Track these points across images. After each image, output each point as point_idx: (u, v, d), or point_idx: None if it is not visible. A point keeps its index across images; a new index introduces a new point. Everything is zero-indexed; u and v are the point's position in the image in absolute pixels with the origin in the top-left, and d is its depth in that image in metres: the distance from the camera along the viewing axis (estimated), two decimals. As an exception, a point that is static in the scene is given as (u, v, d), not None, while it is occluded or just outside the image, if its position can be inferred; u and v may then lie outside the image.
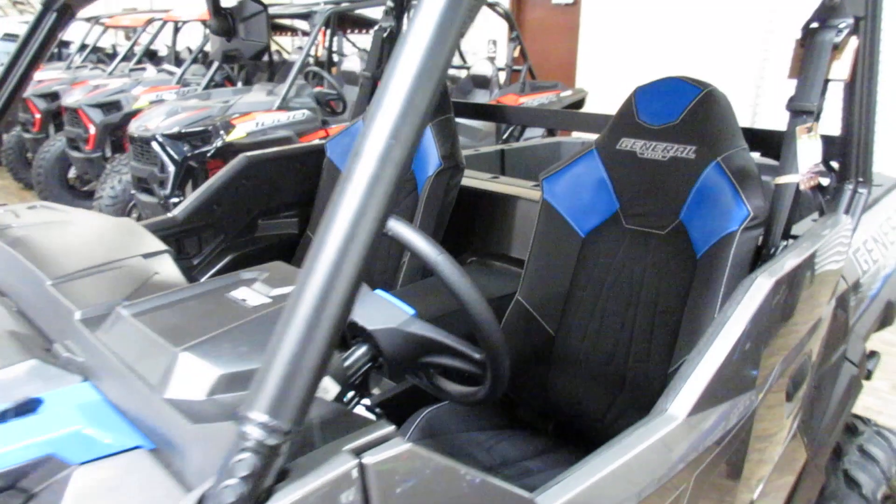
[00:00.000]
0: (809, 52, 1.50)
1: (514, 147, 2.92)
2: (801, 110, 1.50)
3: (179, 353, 0.86)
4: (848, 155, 1.61)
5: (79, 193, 6.79)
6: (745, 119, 3.12)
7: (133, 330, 0.94)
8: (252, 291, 1.02)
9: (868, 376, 1.81)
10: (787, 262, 1.31)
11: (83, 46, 9.04)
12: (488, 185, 2.31)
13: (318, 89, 5.25)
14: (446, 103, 2.22)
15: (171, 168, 4.61)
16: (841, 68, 1.50)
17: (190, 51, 8.95)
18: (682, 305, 1.58)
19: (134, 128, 4.84)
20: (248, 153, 2.35)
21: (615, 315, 1.68)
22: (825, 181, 1.61)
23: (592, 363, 1.69)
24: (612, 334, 1.68)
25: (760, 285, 1.20)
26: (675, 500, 1.06)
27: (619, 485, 0.98)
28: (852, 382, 1.68)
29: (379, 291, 1.18)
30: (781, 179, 1.50)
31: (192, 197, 2.25)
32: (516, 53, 6.09)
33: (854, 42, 1.51)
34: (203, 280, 1.11)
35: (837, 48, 1.49)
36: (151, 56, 9.28)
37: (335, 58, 7.02)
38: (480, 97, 6.19)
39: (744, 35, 6.29)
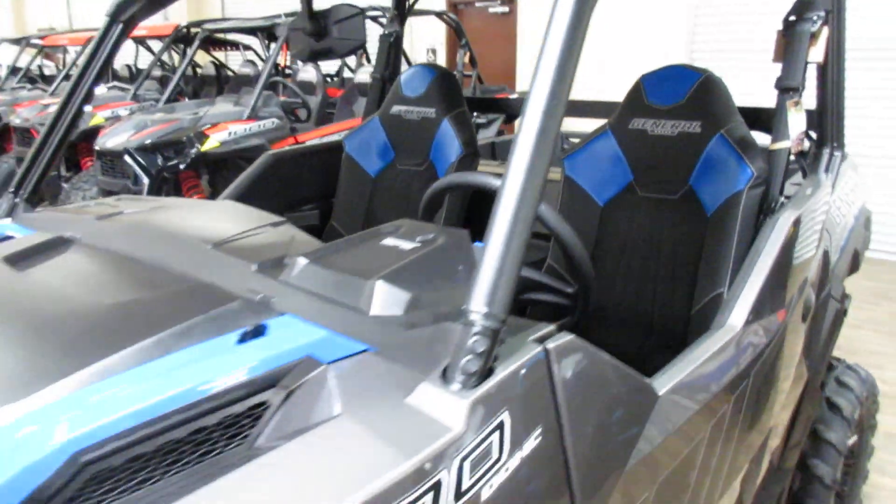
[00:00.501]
0: (791, 40, 1.81)
1: (503, 140, 3.18)
2: (788, 87, 1.80)
3: (375, 282, 1.06)
4: (824, 124, 1.94)
5: (29, 214, 6.67)
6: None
7: (316, 272, 1.14)
8: (398, 240, 1.23)
9: (845, 313, 2.14)
10: (794, 208, 1.60)
11: (14, 69, 8.85)
12: (502, 169, 2.55)
13: (282, 99, 5.39)
14: (459, 98, 2.46)
15: (146, 180, 4.67)
16: (816, 53, 1.81)
17: (130, 68, 8.89)
18: (697, 257, 1.86)
19: (102, 142, 4.86)
20: (274, 150, 2.52)
21: (638, 270, 1.95)
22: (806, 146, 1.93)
23: (621, 312, 1.95)
24: (637, 286, 1.95)
25: (784, 224, 1.49)
26: (742, 390, 1.32)
27: (705, 374, 1.23)
28: (836, 316, 2.00)
29: (478, 243, 1.40)
30: (776, 145, 1.80)
31: (226, 193, 2.41)
32: (466, 59, 6.37)
33: (825, 31, 1.83)
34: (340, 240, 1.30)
35: (813, 36, 1.81)
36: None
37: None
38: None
39: (672, 31, 6.76)
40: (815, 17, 1.80)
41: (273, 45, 7.04)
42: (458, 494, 0.83)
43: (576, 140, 3.12)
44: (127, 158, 4.66)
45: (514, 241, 0.93)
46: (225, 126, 4.82)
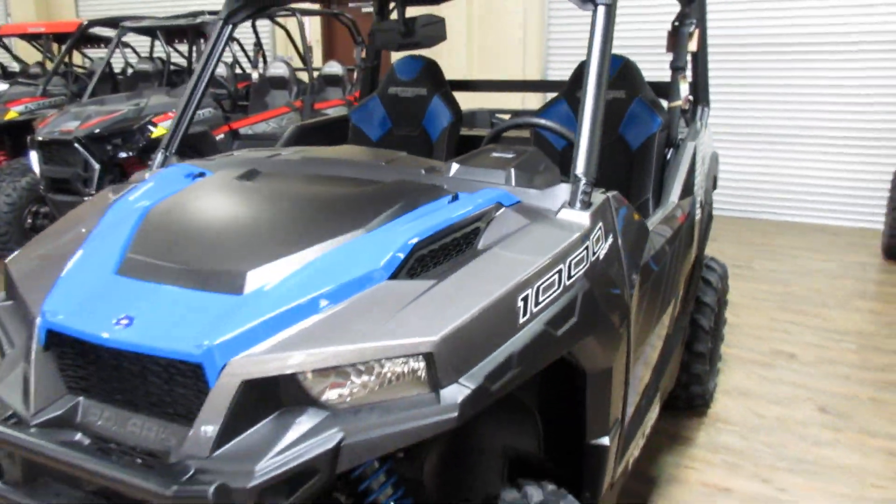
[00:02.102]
0: (677, 37, 2.87)
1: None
2: (678, 67, 2.85)
3: (511, 169, 1.93)
4: (697, 90, 3.02)
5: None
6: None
7: (466, 169, 1.98)
8: (502, 153, 2.07)
9: (712, 216, 3.26)
10: (691, 141, 2.64)
11: None
12: (479, 132, 3.46)
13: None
14: (444, 80, 3.32)
15: (97, 166, 5.07)
16: (692, 45, 2.88)
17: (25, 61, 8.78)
18: (628, 179, 2.87)
19: (46, 133, 5.18)
20: (300, 124, 3.25)
21: None
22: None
23: None
24: None
25: (690, 148, 2.52)
26: (680, 236, 2.33)
27: (666, 222, 2.23)
28: (709, 216, 3.10)
29: None
30: (673, 104, 2.85)
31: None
32: (363, 55, 7.16)
33: (696, 32, 2.90)
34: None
35: (690, 35, 2.87)
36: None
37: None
38: (333, 94, 7.19)
39: (530, 29, 7.97)
40: (690, 24, 2.87)
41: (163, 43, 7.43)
42: (594, 254, 1.74)
43: (504, 116, 4.08)
44: (77, 146, 5.04)
45: (594, 143, 1.85)
46: (169, 116, 5.31)
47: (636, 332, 2.04)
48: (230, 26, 2.58)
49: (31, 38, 8.42)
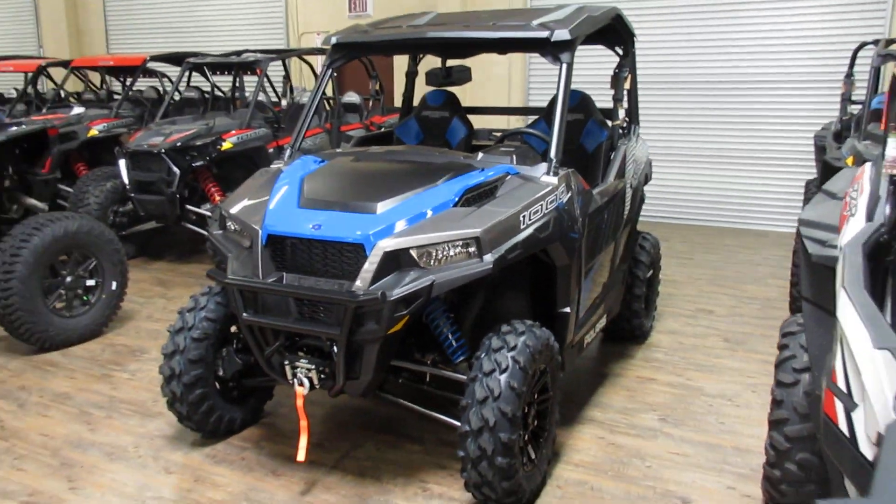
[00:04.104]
0: (617, 79, 4.36)
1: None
2: (618, 98, 4.33)
3: (514, 154, 3.37)
4: (630, 114, 4.52)
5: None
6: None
7: (488, 156, 3.42)
8: (506, 147, 3.52)
9: (644, 199, 4.73)
10: (623, 145, 4.14)
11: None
12: (483, 143, 4.93)
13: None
14: (460, 107, 4.79)
15: (178, 172, 6.46)
16: (627, 84, 4.37)
17: (62, 90, 10.15)
18: (585, 173, 4.34)
19: (136, 145, 6.56)
20: (363, 135, 4.69)
21: None
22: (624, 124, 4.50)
23: None
24: None
25: (622, 149, 4.01)
26: (615, 202, 3.80)
27: (606, 190, 3.70)
28: (642, 198, 4.58)
29: None
30: (614, 123, 4.33)
31: (343, 156, 4.55)
32: (377, 87, 8.66)
33: (629, 75, 4.40)
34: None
35: (625, 77, 4.36)
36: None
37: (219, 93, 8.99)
38: (352, 119, 8.65)
39: (514, 67, 9.53)
40: (625, 70, 4.37)
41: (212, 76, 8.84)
42: (560, 199, 3.21)
43: (497, 133, 5.55)
44: (164, 157, 6.44)
45: (560, 141, 3.32)
46: (233, 133, 6.73)
47: (585, 250, 3.49)
48: (331, 70, 4.03)
49: (73, 69, 9.81)
